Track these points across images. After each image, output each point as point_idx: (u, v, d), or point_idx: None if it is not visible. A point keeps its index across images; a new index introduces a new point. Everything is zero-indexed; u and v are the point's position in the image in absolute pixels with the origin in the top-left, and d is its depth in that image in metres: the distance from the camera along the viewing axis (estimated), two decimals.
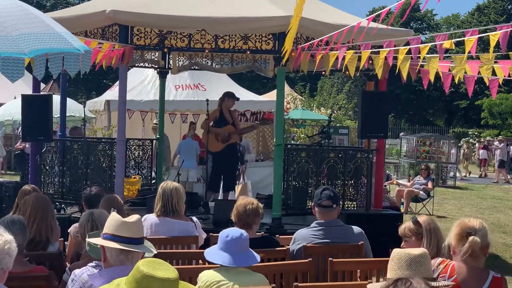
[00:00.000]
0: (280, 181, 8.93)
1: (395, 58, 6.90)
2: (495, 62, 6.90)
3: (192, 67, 11.96)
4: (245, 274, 4.12)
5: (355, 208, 9.86)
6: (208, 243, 5.69)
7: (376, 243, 5.71)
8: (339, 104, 33.69)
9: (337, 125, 27.51)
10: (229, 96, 10.51)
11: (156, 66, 11.58)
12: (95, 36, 9.11)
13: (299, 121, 27.84)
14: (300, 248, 5.34)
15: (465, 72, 6.93)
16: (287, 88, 23.74)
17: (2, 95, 21.20)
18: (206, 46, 9.36)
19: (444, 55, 6.57)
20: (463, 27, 51.13)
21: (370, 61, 7.61)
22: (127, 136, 9.51)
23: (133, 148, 11.38)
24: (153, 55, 11.31)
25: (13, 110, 17.68)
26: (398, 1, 6.74)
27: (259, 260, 4.24)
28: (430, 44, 6.57)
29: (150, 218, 5.86)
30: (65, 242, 5.80)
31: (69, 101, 15.46)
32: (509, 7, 56.82)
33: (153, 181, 11.44)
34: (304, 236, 5.43)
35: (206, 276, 4.10)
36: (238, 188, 11.51)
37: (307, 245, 5.30)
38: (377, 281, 4.91)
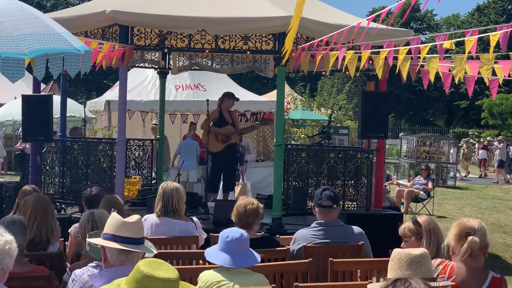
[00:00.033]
0: (280, 181, 8.93)
1: (395, 58, 6.90)
2: (495, 62, 6.90)
3: (192, 68, 11.96)
4: (245, 274, 4.12)
5: (355, 208, 9.86)
6: (208, 243, 5.69)
7: (376, 243, 5.71)
8: (339, 104, 33.70)
9: (337, 125, 27.51)
10: (228, 97, 10.51)
11: (156, 67, 11.59)
12: (95, 36, 9.11)
13: (299, 121, 27.84)
14: (300, 248, 5.34)
15: (465, 72, 6.93)
16: (287, 88, 23.74)
17: (2, 95, 21.20)
18: (206, 46, 9.36)
19: (444, 55, 6.57)
20: (463, 27, 51.14)
21: (370, 61, 7.61)
22: (127, 137, 9.51)
23: (133, 148, 11.39)
24: (153, 56, 11.31)
25: (13, 111, 17.69)
26: (398, 1, 6.74)
27: (259, 260, 4.24)
28: (430, 44, 6.57)
29: (151, 218, 5.87)
30: (66, 242, 5.80)
31: (69, 101, 15.46)
32: (509, 7, 56.81)
33: (153, 182, 11.44)
34: (304, 236, 5.43)
35: (207, 276, 4.10)
36: (237, 188, 11.51)
37: (307, 245, 5.30)
38: (377, 281, 4.90)
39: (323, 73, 11.15)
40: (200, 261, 5.27)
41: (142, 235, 3.61)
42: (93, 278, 3.53)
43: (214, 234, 5.64)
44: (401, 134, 30.86)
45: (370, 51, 7.16)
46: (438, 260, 3.99)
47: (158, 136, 11.97)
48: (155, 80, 15.95)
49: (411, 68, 7.23)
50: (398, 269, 3.26)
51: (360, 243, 5.41)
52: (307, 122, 28.55)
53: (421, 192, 14.93)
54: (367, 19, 7.65)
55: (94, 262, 3.78)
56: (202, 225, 6.36)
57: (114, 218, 3.61)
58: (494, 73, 6.91)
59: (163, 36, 9.37)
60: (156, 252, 3.72)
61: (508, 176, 25.51)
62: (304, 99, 32.07)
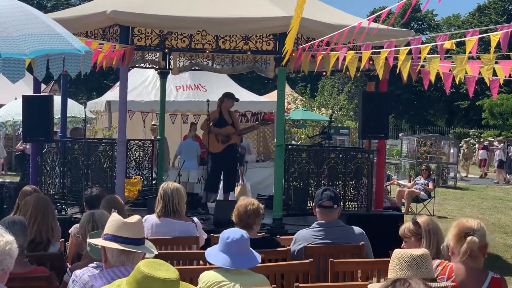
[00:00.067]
0: (280, 182, 8.93)
1: (396, 58, 6.90)
2: (496, 63, 6.90)
3: (193, 68, 11.96)
4: (246, 274, 4.11)
5: (356, 209, 9.86)
6: (209, 243, 5.69)
7: (377, 243, 5.70)
8: (340, 104, 33.68)
9: (338, 125, 27.50)
10: (228, 97, 10.49)
11: (157, 67, 11.59)
12: (95, 36, 9.11)
13: (300, 122, 27.82)
14: (301, 249, 5.34)
15: (466, 73, 6.92)
16: (287, 89, 23.73)
17: (2, 95, 21.22)
18: (206, 46, 9.36)
19: (445, 55, 6.57)
20: (464, 28, 51.13)
21: (371, 62, 7.61)
22: (127, 137, 9.52)
23: (133, 148, 11.39)
24: (154, 56, 11.31)
25: (13, 111, 17.71)
26: (399, 2, 6.74)
27: (259, 261, 4.24)
28: (431, 44, 6.57)
29: (151, 219, 5.86)
30: (66, 243, 5.79)
31: (70, 101, 15.48)
32: (510, 7, 56.78)
33: (153, 182, 11.44)
34: (305, 236, 5.43)
35: (207, 276, 4.10)
36: (237, 189, 11.51)
37: (308, 245, 5.30)
38: (378, 281, 4.90)
39: (324, 73, 11.15)
40: (201, 262, 5.27)
41: (142, 235, 3.61)
42: (93, 279, 3.53)
43: (215, 235, 5.64)
44: (401, 134, 30.85)
45: (371, 51, 7.15)
46: (437, 261, 3.99)
47: (158, 137, 11.97)
48: (156, 80, 15.95)
49: (411, 68, 7.23)
50: (399, 270, 3.26)
51: (360, 244, 5.41)
52: (307, 123, 28.54)
53: (422, 193, 14.93)
54: (368, 20, 7.65)
55: (94, 262, 3.78)
56: (202, 225, 6.36)
57: (114, 218, 3.61)
58: (494, 73, 6.91)
59: (163, 37, 9.37)
60: (157, 253, 3.72)
61: (507, 176, 25.50)
62: (304, 99, 32.06)
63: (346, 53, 7.30)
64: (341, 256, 5.30)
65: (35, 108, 8.88)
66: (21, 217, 4.62)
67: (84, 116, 12.30)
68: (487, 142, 30.04)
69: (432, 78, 6.91)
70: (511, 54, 6.53)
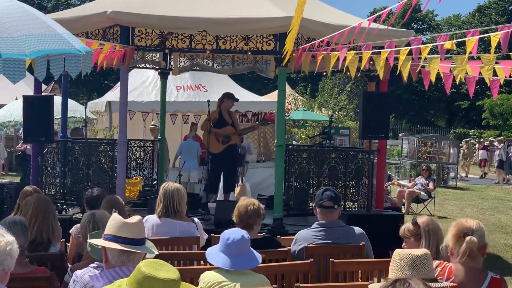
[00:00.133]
0: (281, 182, 8.93)
1: (396, 59, 6.90)
2: (496, 63, 6.90)
3: (193, 68, 11.96)
4: (246, 275, 4.11)
5: (356, 209, 9.86)
6: (209, 244, 5.69)
7: (377, 243, 5.70)
8: (340, 105, 33.67)
9: (339, 125, 27.50)
10: (228, 97, 10.48)
11: (157, 67, 11.59)
12: (96, 37, 9.11)
13: (300, 122, 27.82)
14: (301, 249, 5.34)
15: (466, 73, 6.93)
16: (288, 89, 23.73)
17: (3, 96, 21.22)
18: (207, 47, 9.37)
19: (445, 55, 6.58)
20: (464, 28, 51.11)
21: (371, 62, 7.62)
22: (128, 137, 9.52)
23: (134, 149, 11.40)
24: (154, 56, 11.32)
25: (14, 111, 17.69)
26: (399, 2, 6.75)
27: (260, 261, 4.23)
28: (431, 44, 6.57)
29: (152, 219, 5.86)
30: (67, 243, 5.80)
31: (70, 102, 15.48)
32: (510, 7, 56.73)
33: (154, 182, 11.45)
34: (305, 236, 5.43)
35: (208, 277, 4.10)
36: (236, 189, 11.51)
37: (309, 245, 5.30)
38: (378, 281, 4.90)
39: (324, 73, 11.16)
40: (201, 262, 5.27)
41: (143, 235, 3.61)
42: (94, 279, 3.54)
43: (215, 235, 5.65)
44: (400, 134, 30.85)
45: (371, 51, 7.16)
46: (436, 262, 3.98)
47: (159, 137, 11.97)
48: (156, 80, 15.96)
49: (412, 68, 7.24)
50: (400, 270, 3.26)
51: (361, 244, 5.41)
52: (308, 123, 28.54)
53: (422, 193, 14.93)
54: (368, 20, 7.65)
55: (95, 262, 3.78)
56: (203, 225, 6.36)
57: (115, 219, 3.61)
58: (495, 73, 6.91)
59: (164, 37, 9.38)
60: (157, 253, 3.72)
61: (507, 176, 25.49)
62: (305, 99, 32.06)
63: (346, 54, 7.31)
64: (341, 256, 5.30)
65: (36, 109, 8.89)
66: (22, 217, 4.62)
67: (84, 117, 12.32)
68: (487, 142, 30.03)
69: (433, 78, 6.91)
70: (511, 55, 6.53)
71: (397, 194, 14.93)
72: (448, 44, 6.21)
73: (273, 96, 20.97)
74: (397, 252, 3.36)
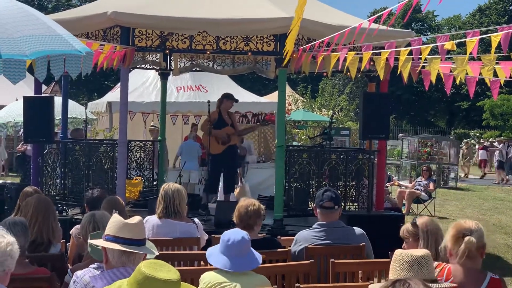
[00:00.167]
0: (281, 183, 8.93)
1: (397, 59, 6.90)
2: (497, 63, 6.90)
3: (194, 69, 11.97)
4: (247, 275, 4.11)
5: (356, 209, 9.86)
6: (210, 244, 5.68)
7: (378, 244, 5.70)
8: (341, 105, 33.69)
9: (339, 126, 27.51)
10: (227, 98, 10.47)
11: (158, 68, 11.59)
12: (96, 37, 9.12)
13: (301, 123, 27.83)
14: (301, 249, 5.34)
15: (467, 73, 6.93)
16: (288, 90, 23.74)
17: (3, 97, 21.22)
18: (207, 47, 9.37)
19: (446, 56, 6.58)
20: (465, 28, 51.10)
21: (372, 63, 7.62)
22: (128, 138, 9.52)
23: (134, 149, 11.40)
24: (155, 57, 11.32)
25: (14, 112, 17.71)
26: (399, 2, 6.75)
27: (260, 262, 4.23)
28: (432, 45, 6.58)
29: (152, 220, 5.86)
30: (67, 244, 5.80)
31: (71, 102, 15.51)
32: (511, 8, 56.72)
33: (154, 183, 11.45)
34: (305, 237, 5.43)
35: (208, 277, 4.10)
36: (236, 190, 11.50)
37: (309, 246, 5.30)
38: (379, 282, 4.90)
39: (324, 74, 11.17)
40: (202, 262, 5.27)
41: (143, 236, 3.61)
42: (94, 280, 3.54)
43: (216, 236, 5.65)
44: (400, 135, 30.85)
45: (372, 52, 7.16)
46: (435, 263, 3.98)
47: (159, 138, 11.97)
48: (156, 81, 15.97)
49: (412, 69, 7.23)
50: (400, 270, 3.26)
51: (361, 244, 5.41)
52: (308, 123, 28.56)
53: (423, 193, 14.92)
54: (368, 20, 7.65)
55: (95, 263, 3.78)
56: (203, 226, 6.36)
57: (115, 219, 3.61)
58: (495, 74, 6.91)
59: (164, 38, 9.38)
60: (158, 253, 3.72)
61: (506, 176, 25.49)
62: (305, 100, 32.07)
63: (346, 54, 7.31)
64: (341, 257, 5.30)
65: (36, 109, 8.89)
66: (22, 218, 4.63)
67: (85, 117, 12.31)
68: (488, 142, 30.03)
69: (433, 79, 6.91)
70: None
71: (398, 195, 14.93)
72: (448, 45, 6.21)
73: (273, 97, 20.98)
74: (398, 252, 3.36)
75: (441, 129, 47.12)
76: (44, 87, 16.88)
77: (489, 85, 7.12)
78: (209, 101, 10.53)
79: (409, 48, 6.73)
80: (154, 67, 11.59)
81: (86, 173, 9.91)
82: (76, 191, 10.02)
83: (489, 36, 5.88)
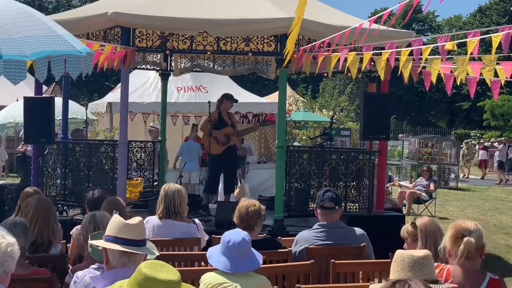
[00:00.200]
0: (282, 183, 8.93)
1: (397, 59, 6.90)
2: (497, 64, 6.90)
3: (194, 69, 11.96)
4: (247, 276, 4.11)
5: (357, 210, 9.87)
6: (210, 245, 5.68)
7: (378, 244, 5.70)
8: (341, 105, 33.69)
9: (339, 127, 27.51)
10: (227, 98, 10.45)
11: (158, 68, 11.59)
12: (97, 38, 9.12)
13: (301, 123, 27.83)
14: (302, 250, 5.34)
15: (467, 74, 6.92)
16: (289, 90, 23.75)
17: (4, 97, 21.25)
18: (208, 48, 9.36)
19: (446, 56, 6.57)
20: (465, 29, 51.09)
21: (372, 63, 7.62)
22: (129, 138, 9.52)
23: (135, 150, 11.40)
24: (155, 57, 11.32)
25: (15, 113, 17.73)
26: (400, 3, 6.75)
27: (261, 263, 4.23)
28: (432, 45, 6.57)
29: (152, 220, 5.86)
30: (67, 244, 5.80)
31: (71, 103, 15.51)
32: (511, 8, 56.72)
33: (155, 183, 11.44)
34: (306, 237, 5.43)
35: (209, 278, 4.10)
36: (235, 191, 11.49)
37: (309, 246, 5.30)
38: (379, 282, 4.90)
39: (325, 74, 11.17)
40: (202, 263, 5.28)
41: (144, 237, 3.61)
42: (95, 280, 3.53)
43: (216, 236, 5.64)
44: (400, 135, 30.85)
45: (372, 52, 7.16)
46: (435, 264, 3.98)
47: (160, 138, 11.96)
48: (157, 81, 15.96)
49: (413, 69, 7.23)
50: (401, 271, 3.26)
51: (362, 245, 5.41)
52: (309, 124, 28.55)
53: (423, 194, 14.91)
54: (369, 21, 7.65)
55: (96, 264, 3.78)
56: (204, 226, 6.36)
57: (116, 220, 3.61)
58: (496, 74, 6.91)
59: (165, 38, 9.37)
60: (158, 254, 3.72)
61: (506, 176, 25.49)
62: (306, 100, 32.07)
63: (347, 54, 7.31)
64: (342, 257, 5.30)
65: (37, 110, 8.89)
66: (23, 218, 4.63)
67: (85, 118, 12.31)
68: (489, 143, 30.02)
69: (434, 79, 6.90)
70: None
71: (398, 195, 14.93)
72: (449, 45, 6.20)
73: (274, 97, 20.96)
74: (398, 253, 3.36)
75: (442, 129, 47.13)
76: (44, 87, 16.88)
77: (489, 86, 7.11)
78: (209, 102, 10.52)
79: (410, 48, 6.73)
80: (155, 67, 11.59)
81: (86, 173, 9.90)
82: (76, 192, 10.02)
83: (490, 36, 5.88)
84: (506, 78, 6.95)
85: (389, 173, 18.48)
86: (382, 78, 7.65)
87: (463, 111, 53.68)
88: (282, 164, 8.88)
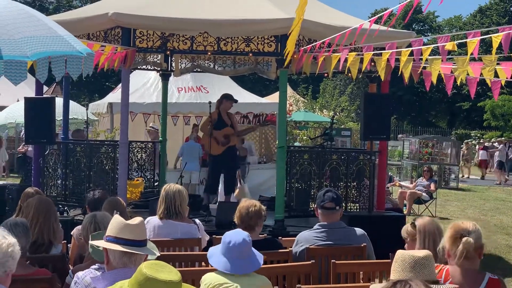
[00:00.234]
0: (282, 183, 8.94)
1: (398, 60, 6.90)
2: (498, 64, 6.90)
3: (195, 70, 11.96)
4: (248, 276, 4.11)
5: (357, 210, 9.86)
6: (211, 245, 5.68)
7: (379, 245, 5.70)
8: (342, 106, 33.68)
9: (340, 127, 27.51)
10: (227, 98, 10.44)
11: (159, 69, 11.60)
12: (97, 38, 9.12)
13: (302, 123, 27.83)
14: (303, 250, 5.34)
15: (468, 74, 6.93)
16: (289, 90, 23.72)
17: (5, 98, 21.22)
18: (208, 48, 9.37)
19: (446, 57, 6.57)
20: (465, 29, 51.05)
21: (373, 63, 7.62)
22: (129, 139, 9.52)
23: (135, 150, 11.40)
24: (156, 58, 11.32)
25: (16, 113, 17.72)
26: (400, 3, 6.75)
27: (261, 263, 4.23)
28: (433, 46, 6.58)
29: (153, 221, 5.87)
30: (68, 245, 5.80)
31: (72, 103, 15.49)
32: (511, 8, 56.70)
33: (155, 184, 11.44)
34: (307, 238, 5.43)
35: (209, 278, 4.10)
36: (235, 191, 11.48)
37: (310, 247, 5.30)
38: (380, 283, 4.89)
39: (325, 75, 11.17)
40: (203, 263, 5.28)
41: (144, 237, 3.61)
42: (95, 281, 3.54)
43: (217, 236, 5.64)
44: (400, 135, 30.83)
45: (372, 52, 7.17)
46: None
47: (160, 139, 11.97)
48: (158, 82, 15.95)
49: (413, 69, 7.24)
50: (402, 271, 3.25)
51: (362, 245, 5.41)
52: (309, 124, 28.55)
53: (424, 194, 14.91)
54: (369, 21, 7.66)
55: (96, 264, 3.79)
56: (204, 227, 6.36)
57: (116, 220, 3.61)
58: (496, 74, 6.91)
59: (165, 38, 9.37)
60: (159, 254, 3.72)
61: (506, 176, 25.47)
62: (306, 101, 32.06)
63: (347, 55, 7.31)
64: (343, 258, 5.30)
65: (37, 110, 8.89)
66: (23, 219, 4.63)
67: (86, 118, 12.30)
68: (489, 143, 30.01)
69: (434, 80, 6.90)
70: None
71: (399, 195, 14.93)
72: (449, 45, 6.20)
73: (274, 98, 20.95)
74: (399, 253, 3.36)
75: (442, 129, 47.11)
76: (45, 88, 16.87)
77: (490, 86, 7.11)
78: (210, 102, 10.52)
79: (410, 48, 6.74)
80: (155, 68, 11.59)
81: (87, 174, 9.90)
82: (77, 192, 10.02)
83: (490, 36, 5.88)
84: (507, 78, 6.96)
85: (390, 173, 18.48)
86: (382, 78, 7.65)
87: (463, 111, 53.67)
88: (283, 165, 8.88)
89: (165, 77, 11.73)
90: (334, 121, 15.71)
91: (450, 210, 15.66)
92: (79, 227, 5.21)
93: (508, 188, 22.60)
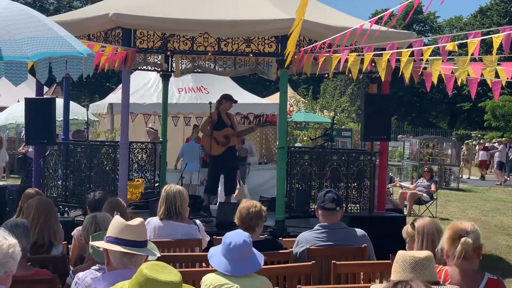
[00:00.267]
0: (283, 184, 8.93)
1: (398, 60, 6.90)
2: (498, 64, 6.89)
3: (195, 70, 11.96)
4: (248, 277, 4.11)
5: (358, 211, 9.86)
6: (211, 246, 5.68)
7: (379, 245, 5.70)
8: (342, 106, 33.68)
9: (340, 127, 27.50)
10: (226, 99, 10.42)
11: (159, 69, 11.60)
12: (98, 39, 9.12)
13: (302, 124, 27.83)
14: (303, 251, 5.34)
15: (468, 74, 6.92)
16: (290, 91, 23.74)
17: (5, 98, 21.25)
18: (209, 49, 9.37)
19: (447, 57, 6.57)
20: (466, 29, 51.05)
21: (373, 64, 7.62)
22: (130, 139, 9.52)
23: (136, 151, 11.40)
24: (156, 58, 11.32)
25: (16, 114, 17.75)
26: (400, 4, 6.75)
27: (262, 264, 4.22)
28: (433, 46, 6.58)
29: (154, 221, 5.86)
30: (69, 245, 5.80)
31: (72, 104, 15.52)
32: None
33: (156, 184, 11.44)
34: (307, 238, 5.43)
35: (210, 279, 4.10)
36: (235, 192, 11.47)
37: (311, 247, 5.30)
38: (380, 283, 4.89)
39: (326, 75, 11.16)
40: (203, 264, 5.27)
41: (145, 238, 3.61)
42: (96, 281, 3.53)
43: (217, 237, 5.64)
44: (400, 136, 30.83)
45: (373, 53, 7.17)
46: None
47: (161, 139, 11.97)
48: (158, 82, 15.96)
49: (413, 70, 7.23)
50: (402, 271, 3.25)
51: (363, 246, 5.41)
52: (310, 125, 28.55)
53: (424, 194, 14.90)
54: (370, 22, 7.66)
55: (97, 265, 3.78)
56: (205, 227, 6.36)
57: (117, 221, 3.61)
58: (497, 75, 6.90)
59: (165, 39, 9.37)
60: (159, 255, 3.72)
61: (506, 177, 25.46)
62: (307, 101, 32.06)
63: (348, 55, 7.31)
64: (343, 258, 5.30)
65: (38, 111, 8.90)
66: (24, 219, 4.63)
67: (86, 119, 12.31)
68: (490, 144, 30.00)
69: (435, 80, 6.90)
70: None
71: (399, 196, 14.92)
72: (450, 46, 6.20)
73: (275, 98, 20.95)
74: (400, 253, 3.35)
75: (443, 130, 47.12)
76: (45, 88, 16.89)
77: (490, 86, 7.11)
78: (210, 103, 10.51)
79: (411, 49, 6.74)
80: (156, 68, 11.60)
81: (87, 174, 9.90)
82: (77, 193, 10.02)
83: (491, 37, 5.88)
84: (507, 78, 6.95)
85: (390, 174, 18.48)
86: (383, 79, 7.65)
87: (464, 112, 53.68)
88: (283, 165, 8.88)
89: (165, 77, 11.73)
90: (335, 121, 15.72)
91: (451, 210, 15.65)
92: (79, 228, 5.21)
93: (509, 189, 22.58)
